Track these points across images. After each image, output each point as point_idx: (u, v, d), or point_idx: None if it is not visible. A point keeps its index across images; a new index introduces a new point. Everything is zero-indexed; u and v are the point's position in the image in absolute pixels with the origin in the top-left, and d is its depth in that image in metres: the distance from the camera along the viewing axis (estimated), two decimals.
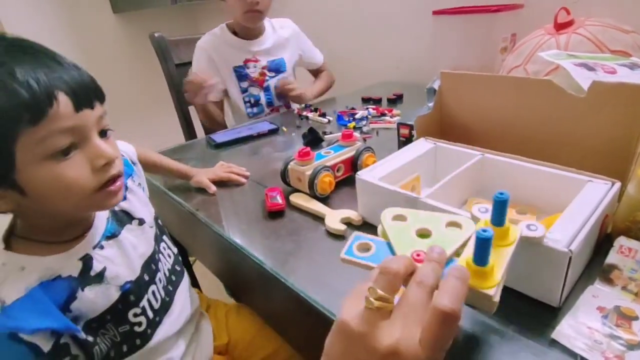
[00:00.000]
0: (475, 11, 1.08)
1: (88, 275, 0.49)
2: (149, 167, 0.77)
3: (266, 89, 1.37)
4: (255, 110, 1.37)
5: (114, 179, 0.47)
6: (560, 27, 0.87)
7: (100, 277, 0.50)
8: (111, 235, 0.54)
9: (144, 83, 1.96)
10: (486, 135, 0.68)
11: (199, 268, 0.69)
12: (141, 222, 0.60)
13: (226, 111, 1.43)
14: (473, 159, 0.61)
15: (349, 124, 1.08)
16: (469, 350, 0.39)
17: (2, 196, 0.43)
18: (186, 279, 0.67)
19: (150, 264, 0.58)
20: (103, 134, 0.48)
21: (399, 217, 0.42)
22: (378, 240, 0.40)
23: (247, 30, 1.29)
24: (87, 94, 0.45)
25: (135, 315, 0.54)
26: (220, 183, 0.81)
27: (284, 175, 0.73)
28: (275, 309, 0.63)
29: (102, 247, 0.52)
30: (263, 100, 1.37)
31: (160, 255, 0.62)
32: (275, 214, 0.68)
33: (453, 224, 0.40)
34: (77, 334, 0.46)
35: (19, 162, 0.41)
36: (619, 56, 0.74)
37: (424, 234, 0.39)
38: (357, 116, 1.12)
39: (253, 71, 1.33)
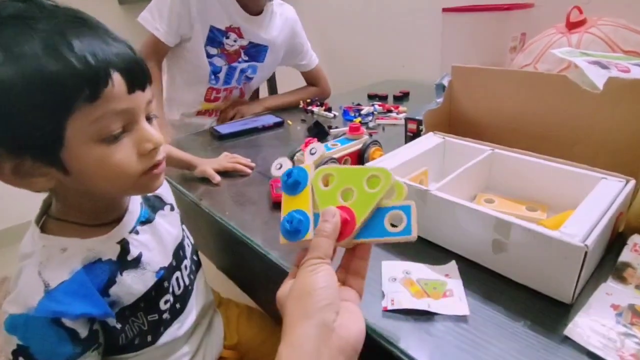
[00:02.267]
0: (485, 9, 1.07)
1: (126, 260, 0.48)
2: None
3: (231, 69, 1.22)
4: (214, 80, 1.22)
5: (158, 164, 0.46)
6: (572, 26, 0.86)
7: (137, 262, 0.49)
8: (145, 221, 0.52)
9: None
10: (496, 130, 0.67)
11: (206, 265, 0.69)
12: (172, 207, 0.59)
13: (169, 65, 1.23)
14: (483, 154, 0.60)
15: (354, 119, 1.07)
16: (479, 346, 0.38)
17: (44, 173, 0.41)
18: (202, 270, 0.66)
19: (179, 251, 0.57)
20: (149, 119, 0.46)
21: (326, 178, 0.42)
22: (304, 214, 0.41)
23: (250, 4, 1.13)
24: (140, 74, 0.42)
25: (166, 302, 0.53)
26: (225, 173, 0.80)
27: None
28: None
29: (137, 232, 0.50)
30: (221, 75, 1.22)
31: (185, 243, 0.61)
32: (280, 205, 0.67)
33: (373, 178, 0.39)
34: (109, 320, 0.46)
35: (68, 139, 0.39)
36: (632, 56, 0.73)
37: (347, 194, 0.40)
38: (363, 112, 1.11)
39: (230, 44, 1.16)
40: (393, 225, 0.37)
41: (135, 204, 0.53)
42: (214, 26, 1.12)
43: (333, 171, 0.42)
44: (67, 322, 0.41)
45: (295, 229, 0.39)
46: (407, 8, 1.52)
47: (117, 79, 0.39)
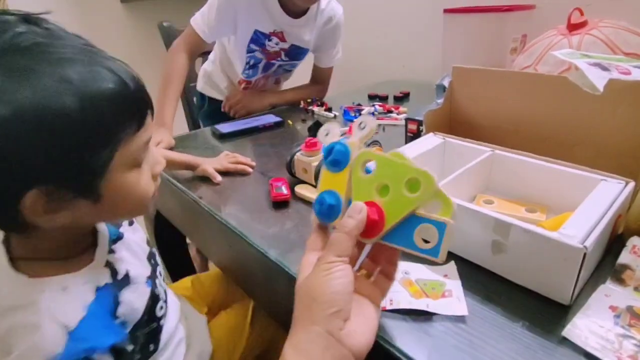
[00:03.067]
0: (486, 10, 1.07)
1: (118, 280, 0.47)
2: (169, 164, 0.76)
3: (269, 65, 1.26)
4: (250, 72, 1.26)
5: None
6: (573, 27, 0.86)
7: (127, 279, 0.48)
8: (116, 239, 0.51)
9: (150, 72, 1.95)
10: (496, 132, 0.67)
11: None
12: (130, 222, 0.57)
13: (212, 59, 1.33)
14: (483, 155, 0.60)
15: (355, 119, 1.07)
16: (477, 346, 0.38)
17: (70, 207, 0.38)
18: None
19: (151, 259, 0.56)
20: None
21: (366, 167, 0.38)
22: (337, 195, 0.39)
23: (294, 8, 1.11)
24: (152, 104, 0.43)
25: (161, 308, 0.53)
26: (225, 173, 0.80)
27: (290, 166, 0.72)
28: (277, 299, 0.62)
29: (113, 252, 0.49)
30: (258, 68, 1.26)
31: (154, 250, 0.59)
32: (279, 205, 0.67)
33: (414, 180, 0.35)
34: (127, 345, 0.44)
35: (111, 169, 0.38)
36: (633, 58, 0.73)
37: (384, 189, 0.37)
38: (363, 112, 1.12)
39: (272, 46, 1.19)
40: (424, 240, 0.35)
41: (101, 225, 0.50)
42: (259, 30, 1.15)
43: (376, 158, 0.37)
44: (97, 357, 0.40)
45: (324, 214, 0.38)
46: (408, 9, 1.52)
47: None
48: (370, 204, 0.36)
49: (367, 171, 0.38)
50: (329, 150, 0.39)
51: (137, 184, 0.41)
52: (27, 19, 0.35)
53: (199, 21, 1.12)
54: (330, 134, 0.42)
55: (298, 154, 0.71)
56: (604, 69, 0.61)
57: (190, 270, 1.12)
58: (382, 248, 0.38)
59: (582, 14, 0.86)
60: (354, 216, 0.35)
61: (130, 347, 0.45)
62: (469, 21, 1.11)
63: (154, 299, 0.51)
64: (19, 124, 0.31)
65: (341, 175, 0.39)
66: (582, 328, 0.38)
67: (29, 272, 0.40)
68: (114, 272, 0.47)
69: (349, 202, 0.38)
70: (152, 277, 0.53)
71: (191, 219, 0.81)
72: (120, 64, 0.39)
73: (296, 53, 1.24)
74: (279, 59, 1.24)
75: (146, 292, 0.50)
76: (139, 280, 0.49)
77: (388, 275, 0.39)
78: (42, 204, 0.36)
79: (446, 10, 1.15)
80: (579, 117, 0.57)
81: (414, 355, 0.38)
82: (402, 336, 0.40)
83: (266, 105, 1.29)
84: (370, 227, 0.36)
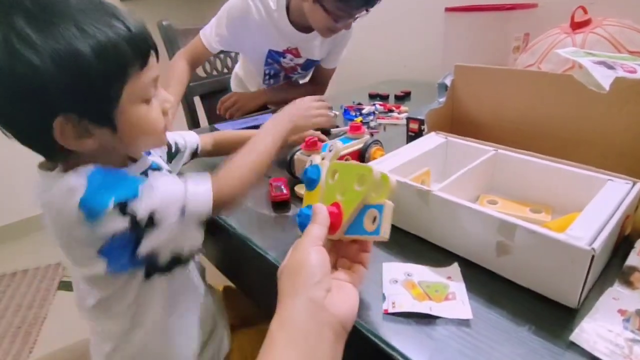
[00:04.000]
0: (488, 9, 1.06)
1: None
2: (231, 144, 0.77)
3: (288, 76, 1.31)
4: (272, 82, 1.31)
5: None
6: (576, 26, 0.85)
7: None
8: (156, 168, 0.59)
9: None
10: (499, 131, 0.66)
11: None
12: (169, 172, 0.64)
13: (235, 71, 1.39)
14: (486, 155, 0.59)
15: (355, 119, 1.06)
16: (482, 351, 0.37)
17: (94, 134, 0.45)
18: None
19: None
20: None
21: (333, 174, 0.45)
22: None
23: (306, 24, 1.10)
24: (154, 44, 0.49)
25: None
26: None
27: (290, 165, 0.71)
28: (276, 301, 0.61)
29: (147, 175, 0.55)
30: (282, 76, 1.31)
31: None
32: (279, 205, 0.66)
33: (362, 176, 0.41)
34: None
35: (122, 102, 0.45)
36: (638, 57, 0.72)
37: (344, 190, 0.43)
38: (364, 111, 1.10)
39: (287, 62, 1.23)
40: (370, 224, 0.39)
41: (143, 157, 0.58)
42: (272, 49, 1.18)
43: (338, 167, 0.45)
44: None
45: (302, 223, 0.42)
46: (409, 8, 1.50)
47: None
48: (333, 204, 0.42)
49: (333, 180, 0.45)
50: (304, 173, 0.47)
51: (147, 116, 0.48)
52: None
53: (207, 34, 1.13)
54: (334, 150, 0.53)
55: (298, 153, 0.70)
56: (609, 67, 0.60)
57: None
58: (349, 244, 0.43)
59: (585, 12, 0.85)
60: (317, 212, 0.41)
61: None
62: (470, 20, 1.10)
63: None
64: (45, 66, 0.39)
65: (316, 192, 0.46)
66: (591, 332, 0.37)
67: None
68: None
69: None
70: None
71: None
72: (125, 11, 0.45)
73: (311, 65, 1.27)
74: (295, 72, 1.28)
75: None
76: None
77: (362, 262, 0.42)
78: (70, 130, 0.43)
79: (447, 9, 1.14)
80: (584, 116, 0.56)
81: None
82: (405, 340, 0.39)
83: (261, 104, 1.28)
84: (333, 222, 0.41)
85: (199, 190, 0.49)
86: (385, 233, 0.37)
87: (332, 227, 0.41)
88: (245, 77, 1.38)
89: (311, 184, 0.46)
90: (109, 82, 0.43)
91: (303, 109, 0.72)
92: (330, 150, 0.54)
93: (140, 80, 0.46)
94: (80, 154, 0.47)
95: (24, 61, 0.38)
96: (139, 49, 0.45)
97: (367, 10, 1.03)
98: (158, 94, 0.51)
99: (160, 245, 0.47)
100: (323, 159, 0.50)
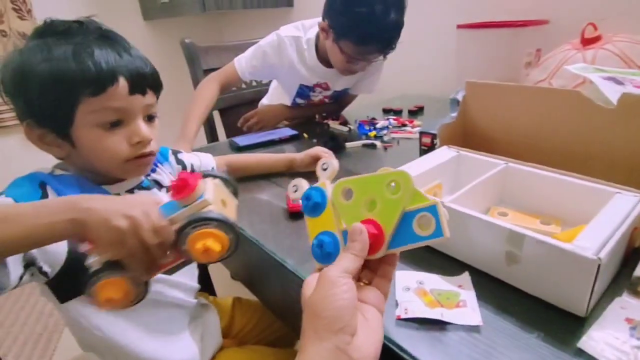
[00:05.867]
0: (500, 25, 1.09)
1: None
2: (240, 169, 0.83)
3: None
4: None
5: (144, 155, 0.56)
6: (587, 42, 0.87)
7: None
8: (145, 187, 0.62)
9: (172, 86, 2.01)
10: (509, 145, 0.68)
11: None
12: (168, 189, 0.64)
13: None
14: (497, 168, 0.61)
15: (369, 133, 1.09)
16: (492, 356, 0.39)
17: (59, 144, 0.53)
18: None
19: None
20: (151, 118, 0.57)
21: (346, 194, 0.40)
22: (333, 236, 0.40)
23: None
24: (142, 82, 0.54)
25: None
26: (240, 183, 0.82)
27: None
28: (293, 308, 0.63)
29: (132, 193, 0.60)
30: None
31: None
32: (297, 215, 0.68)
33: (392, 183, 0.38)
34: None
35: (76, 122, 0.51)
36: None
37: (371, 204, 0.39)
38: (378, 126, 1.13)
39: (316, 95, 1.26)
40: (423, 229, 0.36)
41: (139, 178, 0.62)
42: (303, 84, 1.21)
43: (350, 184, 0.40)
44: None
45: (327, 253, 0.38)
46: (421, 25, 1.54)
47: (121, 82, 0.52)
48: (365, 221, 0.38)
49: (349, 198, 0.40)
50: (307, 198, 0.41)
51: (101, 140, 0.52)
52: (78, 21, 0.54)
53: (242, 64, 1.17)
54: (299, 189, 0.44)
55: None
56: (618, 82, 0.62)
57: (206, 278, 1.13)
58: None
59: (596, 28, 0.87)
60: (357, 238, 0.37)
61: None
62: (482, 36, 1.12)
63: None
64: (20, 77, 0.50)
65: (325, 216, 0.41)
66: (598, 340, 0.38)
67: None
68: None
69: (344, 234, 0.39)
70: None
71: None
72: (108, 50, 0.51)
73: (339, 94, 1.30)
74: (323, 103, 1.31)
75: None
76: None
77: (387, 277, 0.39)
78: (37, 136, 0.52)
79: (459, 26, 1.17)
80: (593, 131, 0.58)
81: None
82: (417, 345, 0.41)
83: (280, 121, 1.32)
84: (374, 242, 0.37)
85: None
86: (446, 231, 0.35)
87: (373, 248, 0.37)
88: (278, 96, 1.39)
89: (316, 209, 0.41)
90: (60, 99, 0.50)
91: (123, 201, 0.42)
92: (324, 169, 0.45)
93: (94, 105, 0.50)
94: (71, 160, 0.56)
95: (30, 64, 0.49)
96: (93, 81, 0.49)
97: (384, 57, 1.06)
98: (130, 126, 0.54)
99: None
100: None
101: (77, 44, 0.50)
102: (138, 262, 0.39)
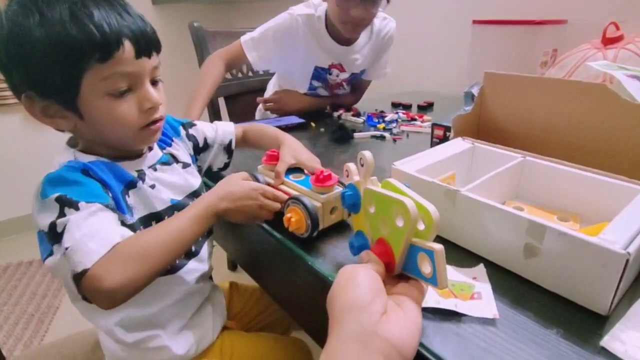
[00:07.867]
0: (518, 23, 1.06)
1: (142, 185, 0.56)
2: (252, 137, 0.79)
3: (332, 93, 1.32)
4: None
5: (155, 121, 0.54)
6: (608, 41, 0.85)
7: (152, 188, 0.57)
8: (166, 162, 0.61)
9: (181, 69, 1.98)
10: (527, 139, 0.66)
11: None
12: (185, 165, 0.64)
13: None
14: (514, 161, 0.58)
15: (378, 125, 1.07)
16: (508, 350, 0.36)
17: (65, 116, 0.50)
18: (211, 238, 0.71)
19: (193, 197, 0.62)
20: (155, 83, 0.54)
21: (370, 203, 0.42)
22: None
23: (343, 36, 1.12)
24: (148, 43, 0.50)
25: None
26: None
27: None
28: (294, 291, 0.61)
29: (155, 169, 0.59)
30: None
31: (203, 192, 0.64)
32: None
33: (398, 210, 0.36)
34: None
35: (83, 91, 0.47)
36: None
37: (385, 223, 0.39)
38: (387, 119, 1.11)
39: (333, 78, 1.23)
40: (424, 268, 0.36)
41: (156, 151, 0.61)
42: (318, 66, 1.19)
43: (372, 196, 0.41)
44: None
45: (356, 250, 0.44)
46: (434, 20, 1.52)
47: (127, 45, 0.48)
48: (379, 241, 0.40)
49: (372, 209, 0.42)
50: (342, 198, 0.45)
51: (113, 109, 0.49)
52: None
53: (249, 44, 1.13)
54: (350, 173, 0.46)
55: (260, 167, 0.67)
56: None
57: None
58: None
59: (618, 28, 0.85)
60: (369, 258, 0.39)
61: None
62: (498, 33, 1.10)
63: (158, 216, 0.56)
64: (14, 46, 0.45)
65: (361, 215, 0.44)
66: (624, 339, 0.36)
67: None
68: (140, 180, 0.55)
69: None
70: (183, 206, 0.56)
71: (227, 232, 0.79)
72: (107, 10, 0.47)
73: (355, 78, 1.28)
74: (341, 87, 1.28)
75: (166, 202, 0.58)
76: (163, 195, 0.57)
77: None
78: (39, 108, 0.49)
79: (475, 21, 1.15)
80: (617, 127, 0.56)
81: (443, 355, 0.36)
82: (430, 335, 0.38)
83: (300, 109, 1.25)
84: (386, 266, 0.39)
85: (83, 249, 0.43)
86: (443, 282, 0.34)
87: (386, 269, 0.38)
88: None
89: (354, 208, 0.44)
90: (64, 67, 0.45)
91: (239, 194, 0.54)
92: (362, 165, 0.43)
93: (102, 73, 0.47)
94: (80, 136, 0.53)
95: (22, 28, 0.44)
96: (100, 45, 0.45)
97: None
98: (139, 91, 0.51)
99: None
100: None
101: (72, 3, 0.45)
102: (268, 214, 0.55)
